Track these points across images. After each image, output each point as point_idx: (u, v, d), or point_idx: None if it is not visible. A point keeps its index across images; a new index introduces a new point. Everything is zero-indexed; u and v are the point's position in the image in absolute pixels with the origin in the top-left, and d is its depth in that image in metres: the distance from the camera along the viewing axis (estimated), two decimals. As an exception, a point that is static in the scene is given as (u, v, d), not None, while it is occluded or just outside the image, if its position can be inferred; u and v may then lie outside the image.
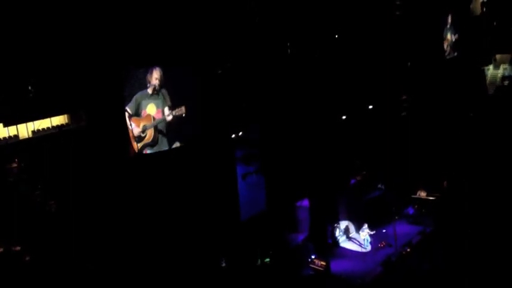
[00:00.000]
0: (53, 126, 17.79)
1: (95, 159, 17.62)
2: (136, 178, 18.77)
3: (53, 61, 16.88)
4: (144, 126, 19.19)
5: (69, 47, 17.04)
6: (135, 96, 18.85)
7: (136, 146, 18.99)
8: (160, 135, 19.61)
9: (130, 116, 18.76)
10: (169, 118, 19.61)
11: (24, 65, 16.40)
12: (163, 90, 19.49)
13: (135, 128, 18.93)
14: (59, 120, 17.95)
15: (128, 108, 18.71)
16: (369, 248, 23.54)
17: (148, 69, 19.03)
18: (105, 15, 17.43)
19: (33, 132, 17.43)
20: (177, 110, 19.67)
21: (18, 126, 17.12)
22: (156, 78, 19.19)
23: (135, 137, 18.95)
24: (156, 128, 19.46)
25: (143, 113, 19.10)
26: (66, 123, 18.08)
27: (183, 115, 19.81)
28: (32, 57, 16.45)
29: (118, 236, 18.02)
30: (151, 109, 19.28)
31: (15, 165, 16.61)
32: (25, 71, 16.50)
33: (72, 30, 16.90)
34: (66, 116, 17.98)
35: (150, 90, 19.12)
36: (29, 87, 16.79)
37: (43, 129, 17.58)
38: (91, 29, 17.18)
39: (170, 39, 19.03)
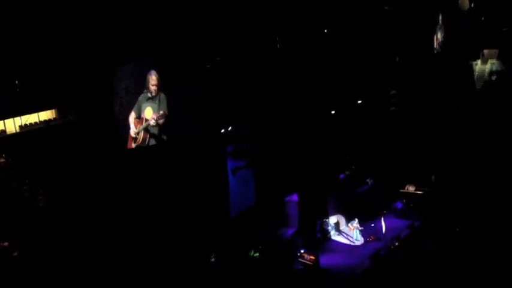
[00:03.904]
0: (40, 121, 17.73)
1: (83, 153, 17.56)
2: (125, 173, 18.75)
3: (40, 56, 16.80)
4: (138, 128, 19.71)
5: (57, 42, 16.96)
6: (138, 99, 19.57)
7: (132, 146, 19.74)
8: (150, 138, 19.97)
9: (135, 118, 19.53)
10: (153, 123, 19.85)
11: (11, 60, 16.31)
12: (162, 95, 19.87)
13: (133, 128, 19.62)
14: (46, 115, 17.90)
15: (132, 112, 19.45)
16: (361, 241, 23.62)
17: (147, 74, 19.47)
18: (93, 9, 17.37)
19: (20, 127, 17.36)
20: (158, 115, 19.87)
21: (6, 121, 17.05)
22: (155, 84, 19.60)
23: (132, 137, 19.68)
24: (146, 130, 19.82)
25: (142, 116, 19.70)
26: (54, 118, 18.05)
27: (164, 120, 20.00)
28: (19, 52, 16.36)
29: (107, 231, 17.99)
30: (148, 112, 19.77)
31: (2, 160, 16.54)
32: (12, 66, 16.40)
33: (59, 26, 16.81)
34: (53, 110, 17.94)
35: (149, 94, 19.66)
36: (16, 82, 16.73)
37: (30, 124, 17.51)
38: (78, 24, 17.10)
39: (158, 34, 18.99)
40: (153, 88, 19.63)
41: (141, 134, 19.78)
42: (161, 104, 19.85)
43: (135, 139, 19.73)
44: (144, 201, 19.16)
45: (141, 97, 19.60)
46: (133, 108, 19.54)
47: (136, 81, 19.41)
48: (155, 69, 19.60)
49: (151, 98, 19.69)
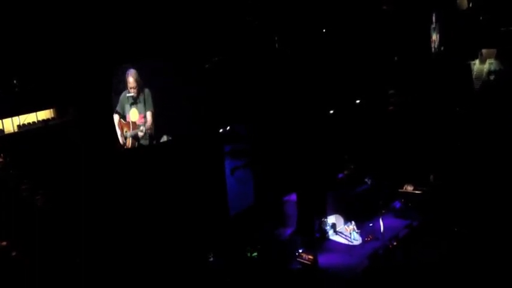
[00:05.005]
0: (38, 121, 17.68)
1: (82, 153, 17.53)
2: (123, 172, 18.70)
3: (39, 55, 16.76)
4: (125, 133, 18.92)
5: (55, 41, 16.93)
6: (120, 98, 18.61)
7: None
8: (139, 146, 19.25)
9: (119, 119, 18.67)
10: (141, 134, 19.15)
11: (9, 59, 16.27)
12: (146, 91, 19.04)
13: (119, 133, 18.75)
14: (44, 114, 17.84)
15: (116, 110, 18.58)
16: (359, 240, 23.63)
17: (126, 71, 18.59)
18: (92, 8, 17.35)
19: (18, 126, 17.31)
20: (147, 128, 19.16)
21: (4, 120, 17.00)
22: (133, 87, 18.69)
23: (119, 143, 18.84)
24: (135, 138, 19.10)
25: (127, 117, 18.87)
26: (52, 118, 17.99)
27: (153, 132, 19.34)
28: (17, 51, 16.32)
29: (106, 231, 17.96)
30: (133, 115, 18.94)
31: (1, 159, 16.48)
32: (10, 65, 16.36)
33: (57, 24, 16.79)
34: (51, 110, 17.89)
35: (130, 94, 18.77)
36: (14, 81, 16.70)
37: (29, 123, 17.46)
38: (77, 22, 17.08)
39: (156, 33, 18.95)
40: (132, 90, 18.61)
41: (129, 141, 18.95)
42: (147, 102, 18.98)
43: (123, 144, 18.78)
44: (143, 200, 19.12)
45: (122, 96, 18.51)
46: (117, 108, 18.49)
47: (118, 78, 18.44)
48: (134, 68, 18.57)
49: (134, 101, 18.75)
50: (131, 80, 18.66)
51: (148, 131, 19.31)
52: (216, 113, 21.59)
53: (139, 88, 18.87)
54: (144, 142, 19.34)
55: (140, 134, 19.10)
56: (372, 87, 27.33)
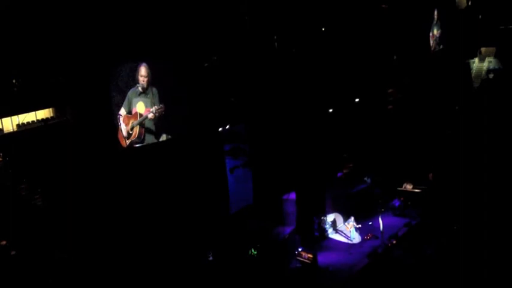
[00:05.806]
0: (37, 120, 17.69)
1: (81, 152, 17.54)
2: (123, 172, 18.72)
3: (37, 54, 16.77)
4: (132, 124, 19.19)
5: (53, 40, 16.94)
6: (127, 94, 18.96)
7: (125, 143, 19.17)
8: (146, 132, 19.52)
9: (125, 115, 18.93)
10: (151, 116, 19.45)
11: (7, 58, 16.28)
12: (154, 89, 19.44)
13: (124, 126, 19.02)
14: (44, 113, 17.86)
15: (122, 108, 18.85)
16: (358, 239, 23.65)
17: (137, 66, 18.97)
18: (89, 7, 17.35)
19: (17, 125, 17.33)
20: (157, 108, 19.49)
21: (3, 119, 17.01)
22: (144, 76, 19.12)
23: (124, 136, 19.08)
24: (141, 125, 19.39)
25: (133, 111, 19.15)
26: (52, 117, 18.00)
27: (163, 112, 19.62)
28: (16, 50, 16.33)
29: (104, 230, 17.97)
30: (140, 107, 19.29)
31: (0, 159, 16.50)
32: (9, 65, 16.37)
33: (55, 24, 16.79)
34: (51, 109, 17.89)
35: (140, 88, 19.17)
36: (13, 81, 16.70)
37: (28, 122, 17.47)
38: (75, 22, 17.08)
39: (155, 33, 18.96)
40: (142, 79, 19.06)
41: (136, 130, 19.29)
42: (154, 98, 19.42)
43: (128, 135, 19.15)
44: (142, 199, 19.14)
45: (131, 92, 19.00)
46: (123, 105, 18.94)
47: (126, 76, 18.92)
48: (146, 62, 19.15)
49: (143, 92, 19.20)
50: (143, 69, 19.10)
51: (159, 112, 19.51)
52: (216, 113, 21.60)
53: (149, 80, 19.23)
54: (151, 126, 19.53)
55: (150, 115, 19.41)
56: (371, 86, 27.32)
